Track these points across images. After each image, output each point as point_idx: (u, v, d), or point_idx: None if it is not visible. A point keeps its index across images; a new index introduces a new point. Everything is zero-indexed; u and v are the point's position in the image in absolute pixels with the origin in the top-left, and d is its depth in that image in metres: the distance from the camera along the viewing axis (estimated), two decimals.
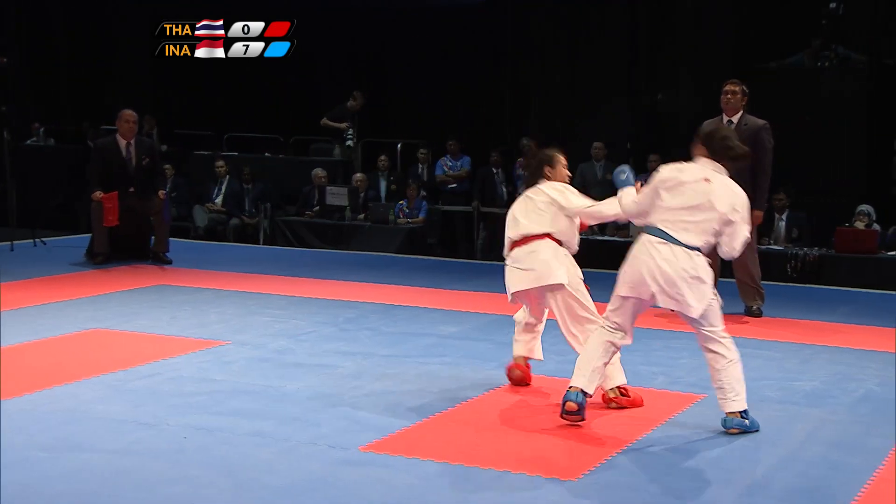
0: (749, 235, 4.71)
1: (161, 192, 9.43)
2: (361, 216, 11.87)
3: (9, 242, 9.81)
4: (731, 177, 4.64)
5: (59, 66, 15.70)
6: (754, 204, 7.23)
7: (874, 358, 6.24)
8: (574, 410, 4.58)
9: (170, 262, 9.30)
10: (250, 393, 5.21)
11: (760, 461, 4.33)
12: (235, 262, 9.75)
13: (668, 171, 4.68)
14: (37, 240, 10.01)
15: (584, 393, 4.59)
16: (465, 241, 12.01)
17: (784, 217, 10.11)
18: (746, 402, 4.65)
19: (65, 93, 15.78)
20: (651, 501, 3.87)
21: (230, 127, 14.12)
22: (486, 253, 11.60)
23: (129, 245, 9.40)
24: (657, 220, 4.62)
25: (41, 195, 12.20)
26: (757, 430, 4.66)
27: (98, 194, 9.05)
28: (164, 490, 3.90)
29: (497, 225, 12.03)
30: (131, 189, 9.22)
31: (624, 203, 4.92)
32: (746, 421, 4.64)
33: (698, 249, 4.57)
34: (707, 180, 4.58)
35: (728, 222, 4.55)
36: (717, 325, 4.67)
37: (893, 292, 8.88)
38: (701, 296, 4.56)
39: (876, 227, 9.85)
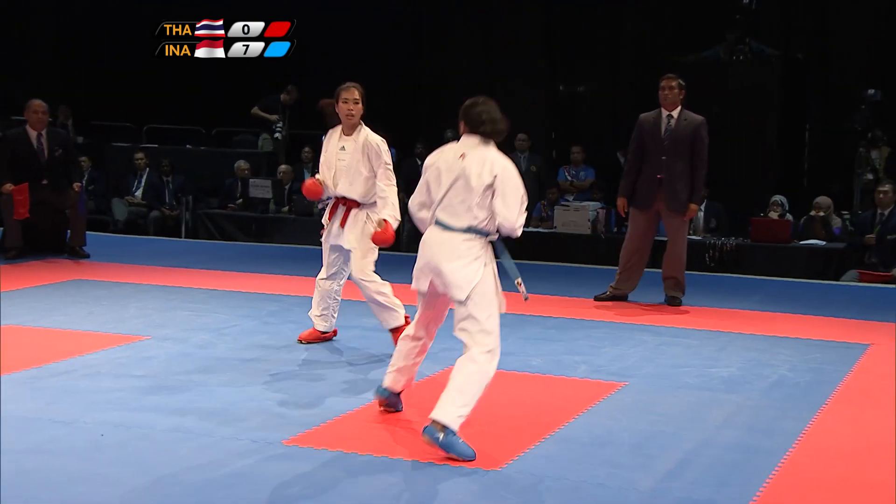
0: (523, 204, 4.34)
1: (76, 185, 9.20)
2: (286, 209, 11.76)
3: None
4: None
5: None
6: (691, 197, 7.39)
7: (786, 344, 6.43)
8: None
9: (87, 256, 9.08)
10: (171, 388, 5.12)
11: (679, 447, 4.42)
12: (156, 255, 9.58)
13: (428, 159, 4.41)
14: None
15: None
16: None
17: (702, 208, 10.34)
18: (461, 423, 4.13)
19: None
20: (572, 488, 3.92)
21: (149, 118, 13.84)
22: (410, 245, 11.60)
23: (44, 239, 9.16)
24: (437, 210, 4.33)
25: None
26: (466, 457, 4.09)
27: (7, 186, 8.79)
28: (73, 489, 3.80)
29: None
30: (44, 181, 8.97)
31: (409, 207, 4.54)
32: (440, 436, 4.08)
33: (472, 230, 4.22)
34: (462, 156, 4.26)
35: (488, 193, 4.19)
36: (479, 318, 4.20)
37: (805, 280, 9.17)
38: (466, 278, 4.19)
39: (789, 217, 10.14)
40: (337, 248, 5.97)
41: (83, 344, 5.95)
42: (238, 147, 13.29)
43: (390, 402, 4.72)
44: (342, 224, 5.88)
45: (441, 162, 4.34)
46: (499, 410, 4.72)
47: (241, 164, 12.17)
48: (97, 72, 14.22)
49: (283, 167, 12.20)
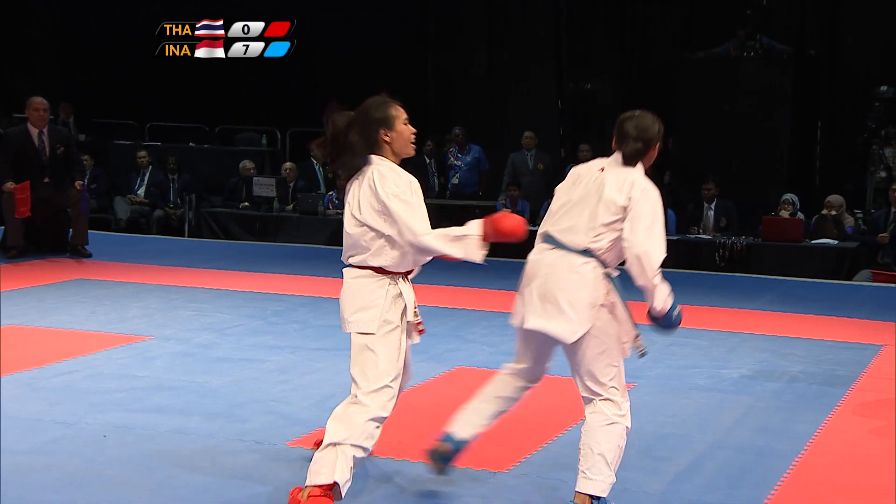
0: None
1: (78, 183, 9.14)
2: (290, 207, 11.70)
3: None
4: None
5: None
6: None
7: (798, 345, 6.35)
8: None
9: (89, 256, 9.03)
10: (174, 389, 5.06)
11: (689, 449, 4.34)
12: (159, 255, 9.53)
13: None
14: None
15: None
16: None
17: (713, 206, 10.25)
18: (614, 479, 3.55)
19: None
20: None
21: (152, 116, 13.80)
22: None
23: (46, 238, 9.12)
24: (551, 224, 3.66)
25: None
26: None
27: (9, 185, 8.73)
28: (76, 491, 3.74)
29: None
30: (46, 179, 8.92)
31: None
32: None
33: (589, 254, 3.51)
34: (602, 170, 3.58)
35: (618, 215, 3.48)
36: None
37: (817, 280, 9.07)
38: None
39: (800, 215, 10.04)
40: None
41: (85, 344, 5.89)
42: (241, 145, 13.23)
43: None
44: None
45: (582, 169, 3.69)
46: (508, 412, 4.64)
47: (247, 163, 12.12)
48: (99, 69, 14.18)
49: (287, 165, 12.14)
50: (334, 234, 11.27)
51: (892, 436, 4.60)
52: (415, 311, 3.62)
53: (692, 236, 10.14)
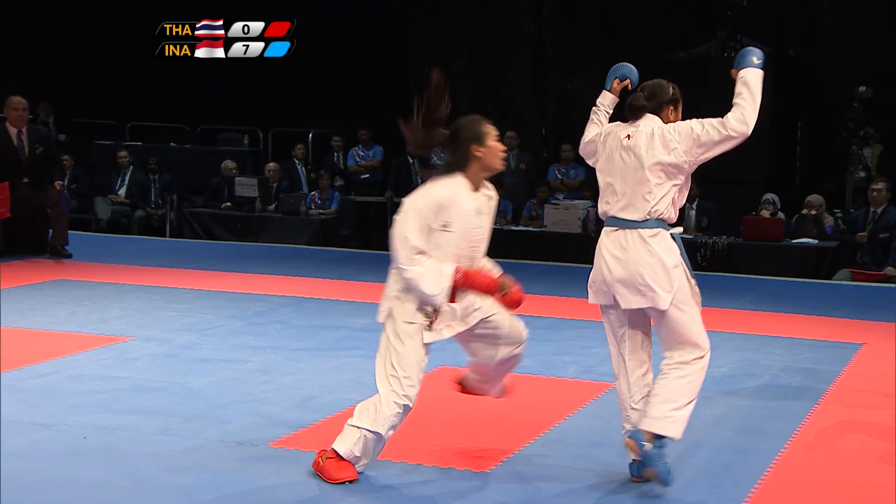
0: None
1: (58, 183, 9.08)
2: (272, 207, 11.66)
3: None
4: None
5: None
6: None
7: (778, 344, 6.38)
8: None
9: (69, 256, 8.97)
10: (155, 390, 5.03)
11: (670, 447, 4.33)
12: (140, 255, 9.48)
13: None
14: None
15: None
16: (379, 232, 11.91)
17: (694, 206, 10.29)
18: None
19: None
20: (561, 490, 3.86)
21: (132, 116, 13.72)
22: None
23: (25, 238, 9.04)
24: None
25: None
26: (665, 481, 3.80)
27: None
28: (55, 493, 3.71)
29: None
30: (25, 179, 8.85)
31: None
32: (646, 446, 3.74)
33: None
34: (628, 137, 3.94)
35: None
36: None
37: (797, 279, 9.13)
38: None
39: (781, 215, 10.10)
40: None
41: (66, 345, 5.85)
42: (223, 145, 13.17)
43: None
44: None
45: (609, 140, 3.99)
46: (489, 411, 4.65)
47: (229, 163, 12.07)
48: (79, 69, 14.08)
49: (271, 165, 12.10)
50: (316, 234, 11.25)
51: (873, 433, 4.63)
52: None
53: None
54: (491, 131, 3.83)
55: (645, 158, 3.82)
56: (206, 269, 8.73)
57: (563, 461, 4.16)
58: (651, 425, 3.79)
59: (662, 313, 3.79)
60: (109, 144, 12.99)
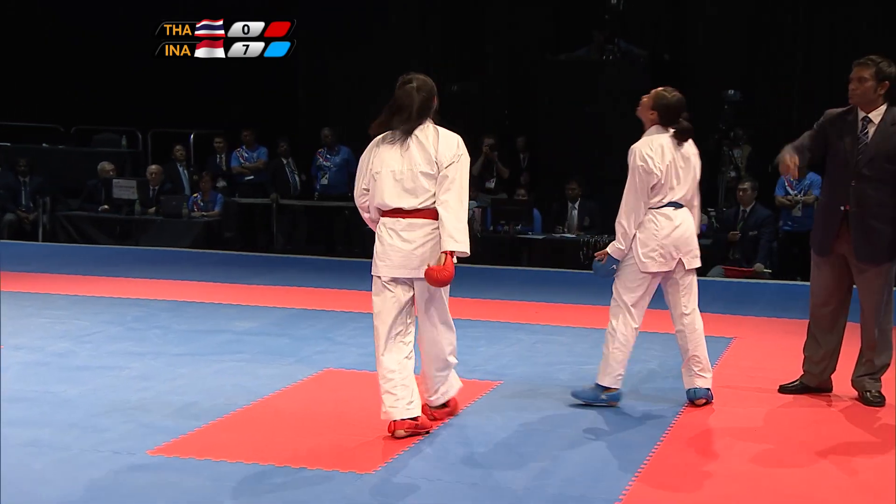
0: None
1: None
2: (152, 210, 11.36)
3: None
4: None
5: None
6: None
7: (655, 339, 6.56)
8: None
9: None
10: (25, 400, 4.83)
11: (552, 444, 4.43)
12: (9, 260, 9.09)
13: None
14: None
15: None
16: (264, 234, 11.74)
17: (576, 206, 10.51)
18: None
19: None
20: (446, 489, 3.87)
21: (1, 115, 13.14)
22: (284, 245, 11.39)
23: None
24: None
25: None
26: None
27: None
28: None
29: (294, 216, 11.84)
30: None
31: None
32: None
33: None
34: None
35: None
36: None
37: None
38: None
39: None
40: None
41: None
42: (99, 146, 12.74)
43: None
44: None
45: (666, 150, 5.35)
46: (370, 413, 4.63)
47: (105, 165, 11.71)
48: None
49: (152, 167, 11.79)
50: (199, 237, 11.01)
51: (742, 423, 4.82)
52: None
53: (557, 235, 10.39)
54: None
55: None
56: (82, 274, 8.45)
57: (446, 461, 4.17)
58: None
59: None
60: None
